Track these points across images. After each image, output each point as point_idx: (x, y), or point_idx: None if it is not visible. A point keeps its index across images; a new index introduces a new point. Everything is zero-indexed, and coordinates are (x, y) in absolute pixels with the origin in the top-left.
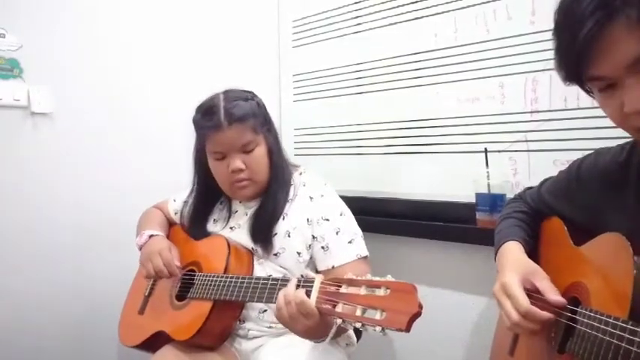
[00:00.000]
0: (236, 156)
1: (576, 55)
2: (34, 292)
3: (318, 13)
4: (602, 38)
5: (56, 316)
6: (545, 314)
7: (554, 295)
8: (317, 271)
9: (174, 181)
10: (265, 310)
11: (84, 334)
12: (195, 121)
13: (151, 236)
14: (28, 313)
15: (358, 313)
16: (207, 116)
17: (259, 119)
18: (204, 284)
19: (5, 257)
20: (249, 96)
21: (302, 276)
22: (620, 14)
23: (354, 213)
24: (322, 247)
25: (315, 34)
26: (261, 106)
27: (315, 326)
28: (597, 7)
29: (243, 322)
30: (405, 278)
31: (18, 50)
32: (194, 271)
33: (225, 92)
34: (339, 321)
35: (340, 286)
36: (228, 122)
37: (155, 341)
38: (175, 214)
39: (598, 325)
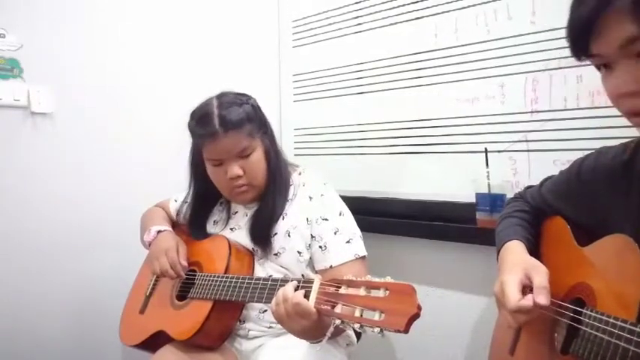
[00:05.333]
0: (233, 162)
1: (578, 32)
2: (34, 291)
3: (318, 13)
4: (599, 18)
5: (56, 315)
6: (527, 302)
7: (537, 295)
8: (315, 271)
9: (175, 181)
10: (265, 310)
11: (84, 333)
12: (191, 129)
13: (159, 232)
14: (27, 313)
15: (357, 314)
16: (201, 124)
17: (255, 123)
18: (204, 284)
19: (5, 257)
20: (243, 99)
21: (303, 276)
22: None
23: (354, 213)
24: (320, 247)
25: (315, 34)
26: (256, 109)
27: (312, 326)
28: None
29: (244, 322)
30: (404, 278)
31: (18, 50)
32: (195, 271)
33: (219, 97)
34: (337, 322)
35: (339, 287)
36: (224, 130)
37: (155, 340)
38: (177, 214)
39: (605, 327)
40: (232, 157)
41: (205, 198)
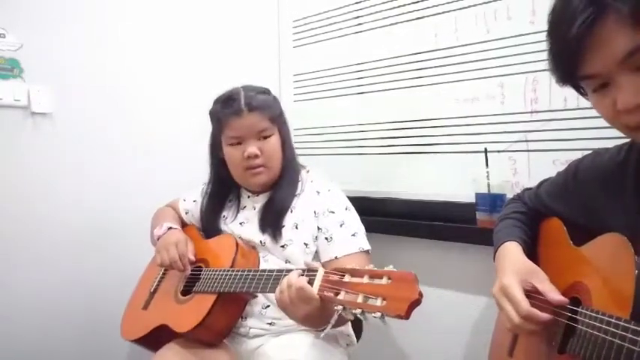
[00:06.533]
0: (252, 142)
1: (569, 53)
2: (35, 292)
3: (318, 13)
4: (593, 34)
5: (57, 316)
6: (545, 315)
7: (556, 295)
8: (321, 263)
9: (175, 181)
10: (268, 306)
11: (85, 333)
12: (214, 111)
13: (170, 228)
14: (29, 313)
15: (359, 300)
16: (227, 103)
17: (276, 111)
18: (209, 278)
19: (6, 257)
20: (266, 90)
21: (305, 265)
22: (611, 9)
23: None
24: (326, 238)
25: (315, 34)
26: (277, 101)
27: (315, 313)
28: (588, 3)
29: (245, 318)
30: None
31: (18, 50)
32: (201, 267)
33: (244, 85)
34: (339, 308)
35: (343, 276)
36: (249, 109)
37: (157, 337)
38: (186, 213)
39: (600, 325)
40: (252, 136)
41: (221, 190)
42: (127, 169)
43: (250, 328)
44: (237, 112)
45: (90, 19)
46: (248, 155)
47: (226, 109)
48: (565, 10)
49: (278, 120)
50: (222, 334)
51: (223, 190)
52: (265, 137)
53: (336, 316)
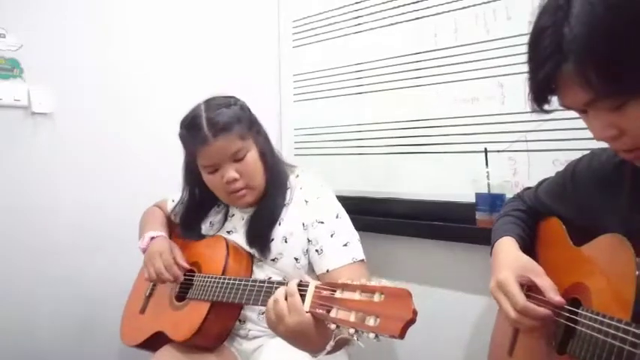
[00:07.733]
0: (228, 166)
1: (541, 91)
2: (35, 293)
3: (318, 13)
4: (558, 80)
5: (57, 316)
6: (543, 311)
7: (554, 295)
8: (316, 276)
9: (176, 181)
10: None
11: (85, 334)
12: (181, 137)
13: (152, 238)
14: (29, 314)
15: (352, 318)
16: (191, 131)
17: (245, 124)
18: (202, 285)
19: (6, 257)
20: (231, 101)
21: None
22: (568, 62)
23: (354, 213)
24: (317, 251)
25: (315, 34)
26: (245, 110)
27: (306, 330)
28: (554, 50)
29: (244, 322)
30: (404, 278)
31: (18, 50)
32: (193, 272)
33: (206, 102)
34: (332, 326)
35: (335, 291)
36: (213, 134)
37: (156, 341)
38: (174, 215)
39: (600, 326)
40: (226, 161)
41: (201, 202)
42: (127, 169)
43: (250, 330)
44: (203, 140)
45: (90, 19)
46: (227, 181)
47: (192, 137)
48: (536, 48)
49: (251, 133)
50: (219, 339)
51: (206, 204)
52: (240, 159)
53: (332, 343)
